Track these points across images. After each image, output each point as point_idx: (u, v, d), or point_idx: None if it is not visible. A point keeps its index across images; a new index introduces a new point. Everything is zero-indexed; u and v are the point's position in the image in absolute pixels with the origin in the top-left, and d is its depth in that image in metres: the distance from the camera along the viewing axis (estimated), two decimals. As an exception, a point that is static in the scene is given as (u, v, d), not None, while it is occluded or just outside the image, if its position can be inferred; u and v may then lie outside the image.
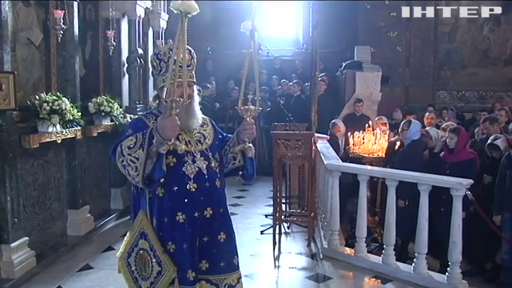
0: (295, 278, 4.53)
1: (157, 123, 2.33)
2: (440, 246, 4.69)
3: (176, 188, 2.28)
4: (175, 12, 2.08)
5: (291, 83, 9.71)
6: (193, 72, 2.41)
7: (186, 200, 2.30)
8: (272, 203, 5.67)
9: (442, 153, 5.16)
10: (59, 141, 4.81)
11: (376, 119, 7.37)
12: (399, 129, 5.84)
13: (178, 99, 2.08)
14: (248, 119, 2.34)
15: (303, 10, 11.67)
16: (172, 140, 2.11)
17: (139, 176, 2.13)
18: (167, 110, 2.11)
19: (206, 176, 2.35)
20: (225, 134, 2.60)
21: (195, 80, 2.42)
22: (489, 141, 4.96)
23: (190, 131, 2.39)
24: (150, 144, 2.12)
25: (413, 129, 5.46)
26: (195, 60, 2.40)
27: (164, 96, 2.14)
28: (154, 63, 2.39)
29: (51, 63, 5.03)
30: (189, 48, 2.37)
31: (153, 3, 7.28)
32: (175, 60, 2.18)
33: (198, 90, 2.51)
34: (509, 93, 11.25)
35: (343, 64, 9.67)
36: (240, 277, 2.50)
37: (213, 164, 2.41)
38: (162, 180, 2.24)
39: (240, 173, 2.52)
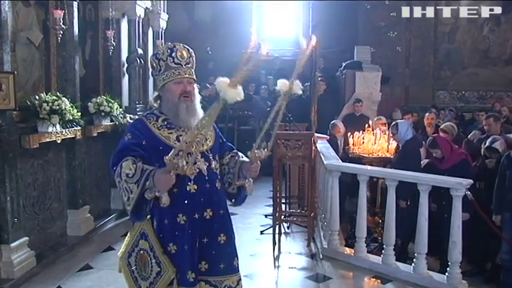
0: (295, 278, 4.54)
1: (157, 124, 2.33)
2: (440, 246, 4.69)
3: (176, 189, 2.27)
4: (218, 92, 2.09)
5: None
6: (193, 70, 2.41)
7: (186, 202, 2.29)
8: (272, 203, 5.67)
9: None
10: (58, 141, 4.81)
11: (376, 119, 7.36)
12: (390, 135, 5.82)
13: (182, 165, 2.02)
14: (256, 163, 2.33)
15: (303, 10, 11.68)
16: (162, 193, 2.12)
17: (131, 207, 2.17)
18: (168, 167, 2.05)
19: (206, 177, 2.34)
20: (224, 140, 2.59)
21: (194, 78, 2.42)
22: (487, 143, 4.97)
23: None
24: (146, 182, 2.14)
25: (403, 130, 5.42)
26: (193, 58, 2.41)
27: (170, 156, 2.04)
28: (154, 64, 2.38)
29: (51, 63, 5.03)
30: (187, 46, 2.38)
31: (153, 3, 7.28)
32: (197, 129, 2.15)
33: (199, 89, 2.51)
34: (509, 93, 11.28)
35: (343, 64, 9.68)
36: (240, 279, 2.49)
37: (213, 165, 2.40)
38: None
39: (233, 200, 2.56)
